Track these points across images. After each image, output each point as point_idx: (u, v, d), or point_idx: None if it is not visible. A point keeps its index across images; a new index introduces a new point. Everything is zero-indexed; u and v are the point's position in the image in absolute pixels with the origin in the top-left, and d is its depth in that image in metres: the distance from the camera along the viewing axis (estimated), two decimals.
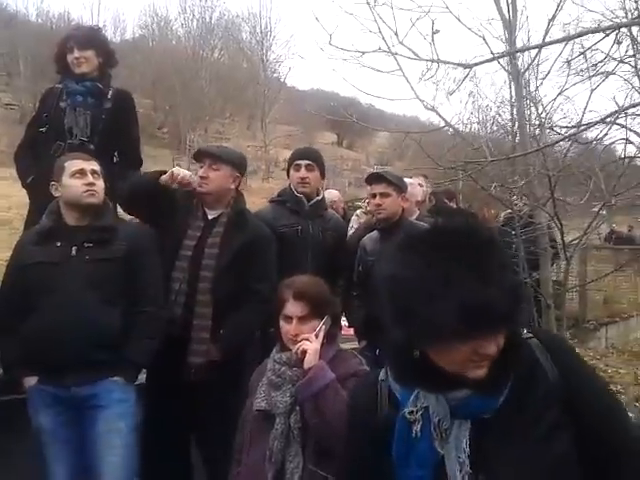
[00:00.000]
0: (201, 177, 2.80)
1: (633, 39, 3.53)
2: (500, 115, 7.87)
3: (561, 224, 3.98)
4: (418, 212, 4.04)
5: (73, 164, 2.51)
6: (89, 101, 3.26)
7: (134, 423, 2.40)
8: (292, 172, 3.46)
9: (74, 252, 2.41)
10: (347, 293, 3.57)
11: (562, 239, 4.10)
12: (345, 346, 3.52)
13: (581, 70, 5.73)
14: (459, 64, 3.32)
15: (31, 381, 2.37)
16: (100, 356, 2.36)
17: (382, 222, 3.48)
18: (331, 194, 6.03)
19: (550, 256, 4.49)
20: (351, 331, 3.80)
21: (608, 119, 3.16)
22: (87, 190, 2.47)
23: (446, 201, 5.73)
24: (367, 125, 5.43)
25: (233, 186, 2.90)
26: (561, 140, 3.81)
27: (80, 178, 2.48)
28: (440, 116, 4.33)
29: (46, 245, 2.43)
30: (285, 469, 1.93)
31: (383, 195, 3.41)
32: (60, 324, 2.31)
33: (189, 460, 2.78)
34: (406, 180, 3.78)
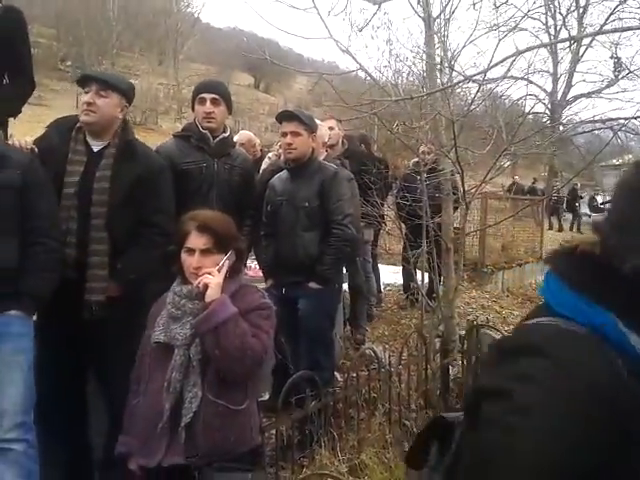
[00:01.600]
0: (87, 104, 2.61)
1: None
2: (415, 65, 7.99)
3: (462, 170, 4.12)
4: (326, 154, 4.05)
5: None
6: None
7: (32, 358, 2.31)
8: (197, 106, 3.34)
9: None
10: (255, 233, 3.57)
11: (462, 185, 4.26)
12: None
13: (494, 25, 5.89)
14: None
15: None
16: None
17: (292, 162, 3.47)
18: (244, 135, 5.92)
19: (452, 202, 4.67)
20: (260, 272, 3.82)
21: (506, 61, 3.26)
22: None
23: (361, 145, 5.79)
24: (284, 66, 5.31)
25: (121, 116, 2.73)
26: (463, 81, 3.92)
27: None
28: (354, 58, 4.29)
29: None
30: (184, 399, 1.95)
31: (294, 134, 3.39)
32: None
33: (85, 397, 2.73)
34: (316, 121, 3.77)
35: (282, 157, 3.98)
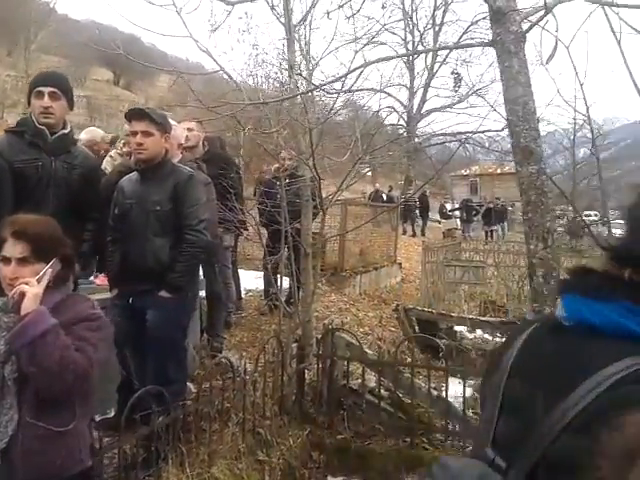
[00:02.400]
0: None
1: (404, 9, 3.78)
2: (281, 72, 8.06)
3: (319, 177, 4.20)
4: (181, 155, 3.91)
5: None
6: None
7: None
8: (33, 100, 3.10)
9: None
10: (100, 237, 3.34)
11: (319, 191, 4.33)
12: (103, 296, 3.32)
13: (354, 37, 6.09)
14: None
15: None
16: None
17: (143, 163, 3.28)
18: (94, 132, 5.56)
19: (311, 207, 4.73)
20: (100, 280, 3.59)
21: (365, 72, 3.39)
22: None
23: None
24: (138, 62, 5.06)
25: None
26: (315, 89, 4.00)
27: None
28: (213, 59, 4.21)
29: None
30: None
31: (145, 134, 3.21)
32: None
33: None
34: (171, 122, 3.62)
35: (132, 157, 3.80)
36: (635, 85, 2.85)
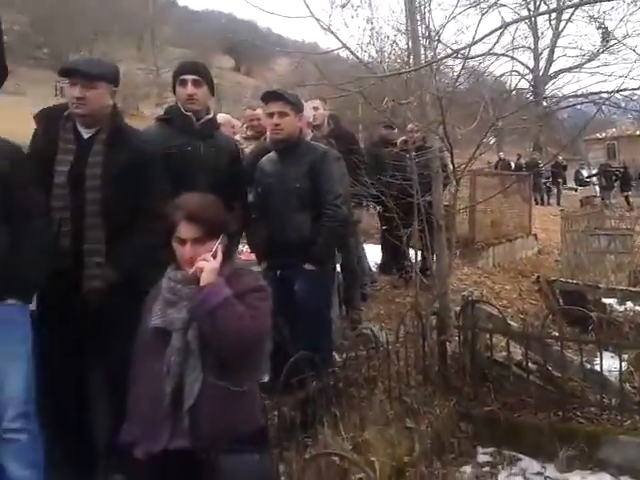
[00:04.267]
0: (77, 98, 2.57)
1: None
2: (397, 44, 7.91)
3: (451, 146, 4.11)
4: (312, 134, 4.01)
5: None
6: None
7: (29, 347, 2.29)
8: (178, 88, 3.26)
9: None
10: (245, 216, 3.53)
11: (452, 161, 4.24)
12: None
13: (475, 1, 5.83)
14: None
15: None
16: None
17: (279, 143, 3.41)
18: (222, 117, 5.84)
19: (442, 179, 4.66)
20: (253, 256, 3.79)
21: (490, 37, 3.23)
22: None
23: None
24: (268, 47, 5.22)
25: (111, 102, 2.70)
26: (450, 55, 3.88)
27: None
28: (336, 37, 4.24)
29: None
30: (184, 383, 1.93)
31: (281, 114, 3.33)
32: None
33: (87, 387, 2.71)
34: None
35: (268, 138, 3.95)
36: None
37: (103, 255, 2.55)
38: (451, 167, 4.44)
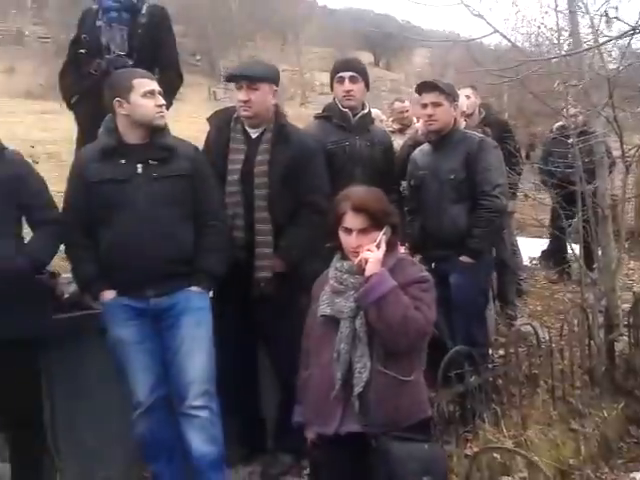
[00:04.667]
0: (243, 101, 2.76)
1: None
2: (545, 25, 7.44)
3: (621, 130, 3.78)
4: (465, 123, 3.91)
5: (143, 83, 2.48)
6: (124, 16, 3.19)
7: (211, 331, 2.50)
8: (335, 85, 3.37)
9: (140, 169, 2.44)
10: (398, 208, 3.54)
11: (621, 146, 3.90)
12: None
13: None
14: None
15: (110, 295, 2.45)
16: (178, 269, 2.45)
17: (434, 134, 3.38)
18: (376, 112, 5.90)
19: (607, 165, 4.32)
20: (402, 249, 3.79)
21: None
22: (159, 112, 2.48)
23: None
24: (410, 36, 5.15)
25: (274, 101, 2.87)
26: (627, 33, 3.55)
27: (151, 98, 2.47)
28: (487, 22, 4.08)
29: (110, 163, 2.45)
30: (353, 369, 2.00)
31: (435, 105, 3.30)
32: (138, 239, 2.38)
33: (256, 371, 2.91)
34: None
35: (420, 130, 3.92)
36: None
37: (272, 247, 2.74)
38: (615, 153, 4.11)
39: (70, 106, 3.23)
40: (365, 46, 33.25)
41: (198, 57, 29.68)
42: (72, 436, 2.70)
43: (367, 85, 3.44)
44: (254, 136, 2.84)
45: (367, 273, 2.01)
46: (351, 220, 2.08)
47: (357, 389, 1.97)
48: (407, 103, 5.44)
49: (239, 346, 2.77)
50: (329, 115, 3.38)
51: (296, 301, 2.64)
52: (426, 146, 3.51)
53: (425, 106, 3.34)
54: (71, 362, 2.69)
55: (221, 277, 2.55)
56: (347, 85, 3.29)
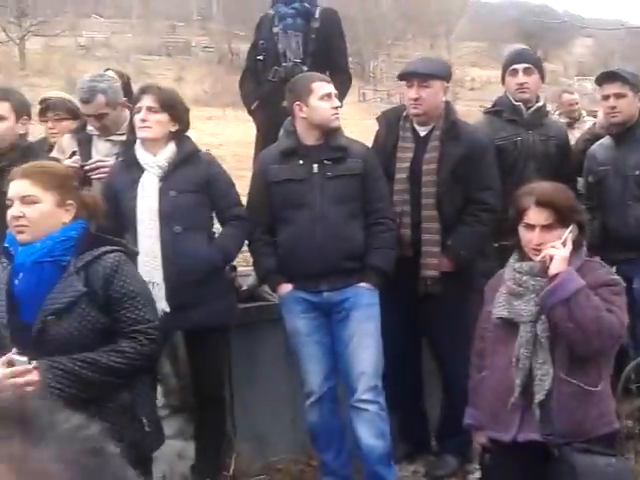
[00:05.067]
0: (413, 99, 2.74)
1: None
2: None
3: None
4: None
5: (321, 87, 2.58)
6: (298, 22, 3.32)
7: (379, 328, 2.53)
8: (508, 78, 3.23)
9: (316, 169, 2.55)
10: None
11: None
12: None
13: None
14: None
15: (287, 288, 2.58)
16: (349, 265, 2.53)
17: (617, 127, 3.14)
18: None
19: None
20: None
21: None
22: (334, 114, 2.58)
23: None
24: (578, 24, 4.80)
25: (444, 98, 2.83)
26: None
27: (328, 101, 2.57)
28: None
29: (289, 163, 2.59)
30: (533, 376, 1.92)
31: (617, 96, 3.06)
32: (314, 236, 2.49)
33: (420, 369, 2.90)
34: None
35: (597, 123, 3.66)
36: None
37: (439, 245, 2.70)
38: None
39: (250, 112, 3.43)
40: (518, 38, 31.70)
41: (350, 59, 30.27)
42: (246, 419, 2.89)
43: (542, 77, 3.28)
44: (423, 134, 2.82)
45: (552, 271, 1.91)
46: (535, 215, 1.99)
47: (538, 397, 1.89)
48: (576, 95, 5.10)
49: (403, 343, 2.77)
50: (499, 110, 3.26)
51: (464, 301, 2.59)
52: (607, 140, 3.26)
53: (607, 98, 3.11)
54: (247, 349, 2.88)
55: (389, 274, 2.57)
56: (521, 77, 3.16)
